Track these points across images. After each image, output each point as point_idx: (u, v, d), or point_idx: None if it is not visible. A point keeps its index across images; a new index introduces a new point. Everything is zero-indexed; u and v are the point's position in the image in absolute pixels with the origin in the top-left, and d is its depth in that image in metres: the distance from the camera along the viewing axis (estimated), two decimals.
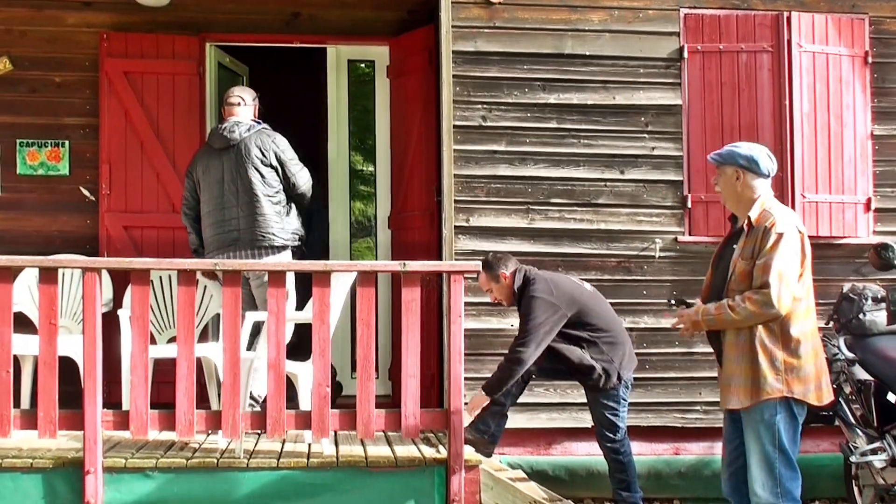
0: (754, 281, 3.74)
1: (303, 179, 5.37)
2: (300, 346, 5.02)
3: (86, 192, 6.12)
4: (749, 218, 3.87)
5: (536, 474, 5.38)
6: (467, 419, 4.72)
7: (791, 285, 3.73)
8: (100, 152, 6.08)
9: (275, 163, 5.28)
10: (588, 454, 5.44)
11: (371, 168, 6.95)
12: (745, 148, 4.01)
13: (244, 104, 5.43)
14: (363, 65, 7.20)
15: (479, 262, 4.77)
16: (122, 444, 4.65)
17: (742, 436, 3.92)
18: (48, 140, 6.12)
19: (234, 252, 5.25)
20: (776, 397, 3.77)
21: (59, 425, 4.31)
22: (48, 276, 4.40)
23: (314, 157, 6.87)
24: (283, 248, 5.29)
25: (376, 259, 6.77)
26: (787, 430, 3.79)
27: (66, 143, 6.13)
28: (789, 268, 3.73)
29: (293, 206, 5.40)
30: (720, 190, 4.05)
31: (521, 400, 5.02)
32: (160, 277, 5.63)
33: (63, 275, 5.32)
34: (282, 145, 5.33)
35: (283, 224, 5.29)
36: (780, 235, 3.74)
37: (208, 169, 5.35)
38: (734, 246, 3.92)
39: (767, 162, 3.97)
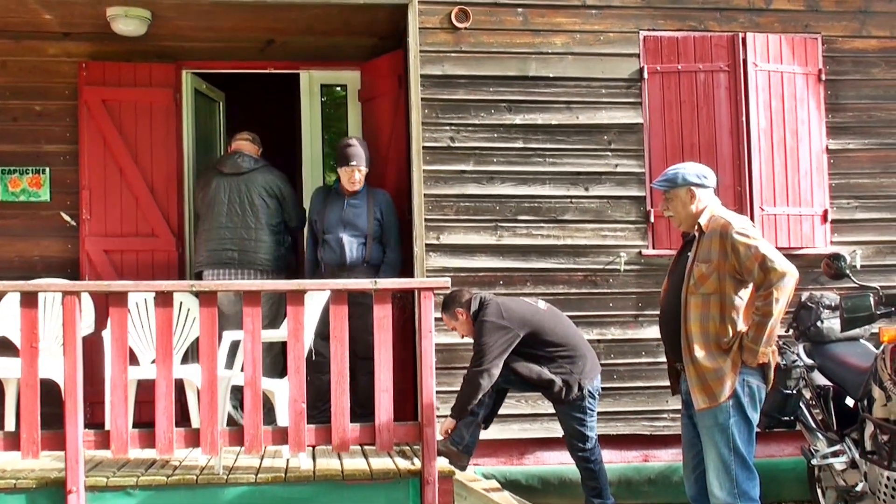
0: (753, 277, 3.78)
1: (299, 215, 5.96)
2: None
3: (66, 218, 6.14)
4: (699, 224, 3.95)
5: (510, 484, 5.41)
6: (439, 438, 4.74)
7: (777, 252, 3.82)
8: (80, 178, 6.11)
9: (279, 196, 5.85)
10: (560, 463, 5.46)
11: None
12: (690, 167, 4.07)
13: (251, 142, 6.02)
14: (338, 88, 7.26)
15: (449, 279, 4.80)
16: (104, 463, 4.65)
17: None
18: (29, 167, 6.14)
19: (226, 270, 5.72)
20: (729, 400, 3.84)
21: (42, 446, 4.32)
22: (29, 300, 4.42)
23: (291, 177, 6.90)
24: (272, 272, 5.76)
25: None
26: (741, 433, 3.85)
27: (47, 169, 6.16)
28: (766, 244, 3.84)
29: (288, 237, 5.92)
30: (672, 214, 4.08)
31: None
32: (144, 299, 5.62)
33: (45, 299, 5.31)
34: (285, 183, 5.91)
35: (277, 252, 5.79)
36: (741, 230, 3.84)
37: (216, 190, 5.79)
38: (688, 254, 3.99)
39: (711, 175, 4.08)
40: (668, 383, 5.60)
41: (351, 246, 5.51)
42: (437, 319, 4.74)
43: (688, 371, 3.93)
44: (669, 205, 4.06)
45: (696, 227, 3.98)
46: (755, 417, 3.91)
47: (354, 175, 5.55)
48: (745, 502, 3.85)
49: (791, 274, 3.77)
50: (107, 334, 4.89)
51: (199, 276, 5.84)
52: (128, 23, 5.94)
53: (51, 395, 4.59)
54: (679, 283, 3.97)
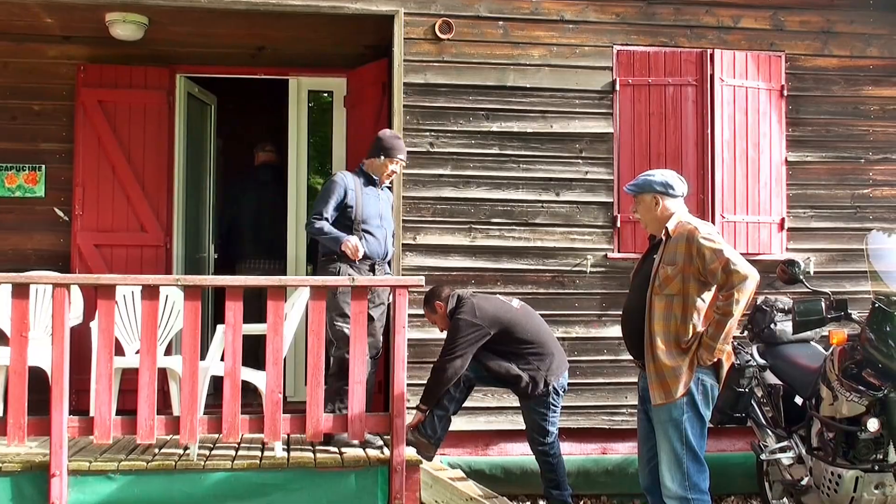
0: (717, 279, 3.81)
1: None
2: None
3: (60, 213, 6.13)
4: (667, 229, 3.97)
5: (474, 473, 5.41)
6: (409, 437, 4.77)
7: (740, 256, 3.84)
8: (74, 176, 6.10)
9: None
10: (523, 454, 5.45)
11: None
12: (658, 175, 4.10)
13: (274, 153, 7.03)
14: (325, 94, 7.27)
15: (423, 277, 4.82)
16: (87, 448, 4.66)
17: None
18: (26, 164, 6.14)
19: (255, 261, 6.76)
20: (683, 397, 3.87)
21: (28, 431, 4.33)
22: (20, 291, 4.43)
23: (277, 178, 6.92)
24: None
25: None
26: (694, 428, 3.88)
27: (43, 167, 6.15)
28: (730, 248, 3.87)
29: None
30: (640, 217, 4.13)
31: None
32: (131, 292, 5.63)
33: (36, 290, 5.32)
34: None
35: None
36: (707, 235, 3.87)
37: (249, 198, 6.88)
38: (654, 256, 4.01)
39: (680, 184, 4.09)
40: (627, 380, 5.72)
41: (390, 239, 5.13)
42: (410, 316, 4.76)
43: (648, 368, 3.94)
44: (638, 207, 4.12)
45: (663, 232, 4.00)
46: (707, 414, 3.94)
47: (398, 169, 5.15)
48: (694, 494, 3.87)
49: (752, 277, 3.80)
50: (94, 325, 4.91)
51: (233, 269, 6.76)
52: (125, 28, 5.94)
53: (38, 382, 4.59)
54: (643, 284, 3.99)
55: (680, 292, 3.88)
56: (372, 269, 4.97)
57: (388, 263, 5.18)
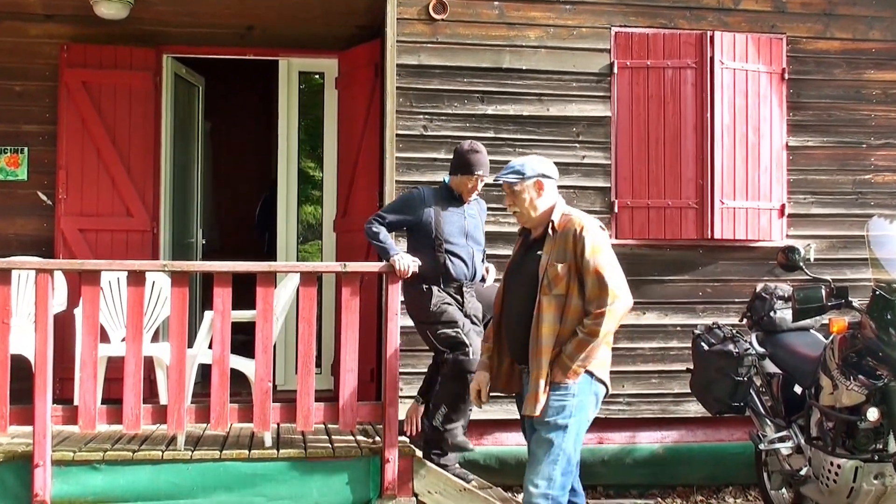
0: (586, 286, 3.58)
1: None
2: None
3: (43, 197, 6.06)
4: (552, 222, 3.71)
5: (468, 463, 5.36)
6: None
7: (620, 273, 3.63)
8: (57, 158, 6.01)
9: None
10: (517, 444, 5.39)
11: (322, 174, 6.95)
12: (535, 160, 3.82)
13: None
14: (316, 76, 7.20)
15: (418, 263, 4.77)
16: (72, 438, 4.62)
17: None
18: (7, 146, 6.05)
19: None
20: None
21: (11, 420, 4.31)
22: (1, 276, 4.39)
23: (266, 162, 6.86)
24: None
25: (322, 261, 6.75)
26: (579, 431, 3.68)
27: (25, 149, 6.06)
28: (612, 261, 3.65)
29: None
30: (517, 210, 3.78)
31: None
32: (117, 278, 5.57)
33: (18, 276, 5.27)
34: None
35: None
36: (594, 237, 3.63)
37: None
38: (538, 253, 3.70)
39: (555, 169, 3.85)
40: (623, 369, 5.67)
41: (477, 260, 4.83)
42: (403, 303, 4.72)
43: (532, 374, 3.62)
44: (516, 199, 3.74)
45: (550, 226, 3.71)
46: (595, 411, 3.77)
47: (479, 185, 4.79)
48: (558, 491, 3.63)
49: (626, 302, 3.57)
50: (78, 312, 4.86)
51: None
52: (110, 6, 5.86)
53: (20, 370, 4.55)
54: (528, 284, 3.69)
55: (568, 292, 3.61)
56: (459, 292, 4.70)
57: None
